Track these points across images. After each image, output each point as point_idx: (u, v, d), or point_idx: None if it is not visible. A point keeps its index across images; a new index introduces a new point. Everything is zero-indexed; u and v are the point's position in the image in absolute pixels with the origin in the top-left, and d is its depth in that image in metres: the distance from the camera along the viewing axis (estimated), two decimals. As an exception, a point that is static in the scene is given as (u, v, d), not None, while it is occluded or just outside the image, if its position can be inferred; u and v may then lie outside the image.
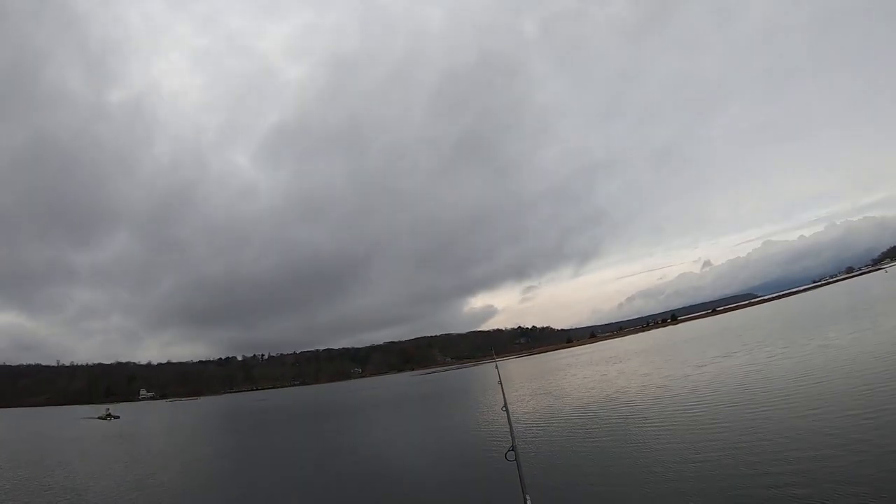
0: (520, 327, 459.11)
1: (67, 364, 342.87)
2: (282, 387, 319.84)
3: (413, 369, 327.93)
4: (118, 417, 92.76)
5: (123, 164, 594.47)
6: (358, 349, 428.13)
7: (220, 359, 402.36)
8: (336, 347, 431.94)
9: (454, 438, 27.65)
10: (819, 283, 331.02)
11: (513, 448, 6.32)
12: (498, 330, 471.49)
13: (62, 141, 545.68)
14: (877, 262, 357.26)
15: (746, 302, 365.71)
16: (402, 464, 23.21)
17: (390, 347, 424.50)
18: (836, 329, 40.74)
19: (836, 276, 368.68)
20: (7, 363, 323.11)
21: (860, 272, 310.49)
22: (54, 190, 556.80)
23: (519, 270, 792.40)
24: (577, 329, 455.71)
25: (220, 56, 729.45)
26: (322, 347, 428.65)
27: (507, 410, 9.14)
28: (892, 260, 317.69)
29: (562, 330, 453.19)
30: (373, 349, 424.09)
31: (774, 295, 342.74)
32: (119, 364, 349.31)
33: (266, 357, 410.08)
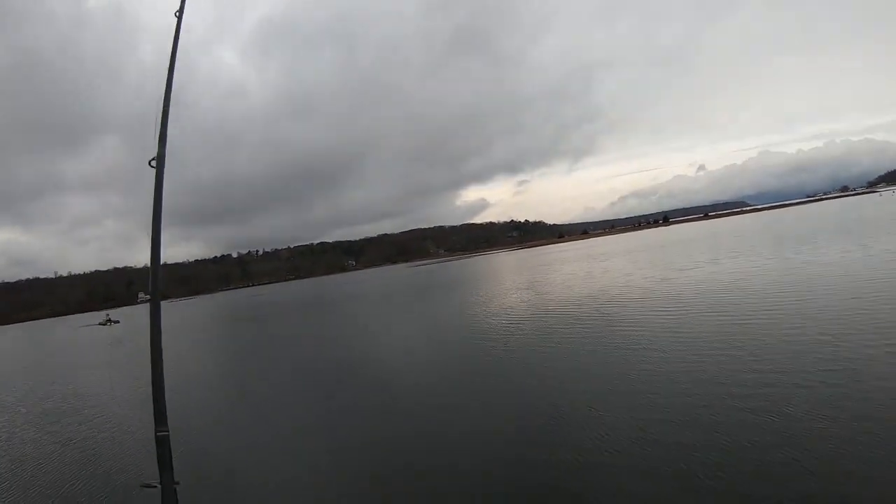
0: (512, 221, 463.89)
1: (65, 275, 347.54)
2: (277, 282, 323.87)
3: (407, 261, 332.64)
4: (118, 322, 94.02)
5: (108, 71, 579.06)
6: (352, 242, 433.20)
7: (216, 257, 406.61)
8: (330, 241, 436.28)
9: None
10: (813, 199, 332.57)
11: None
12: (490, 223, 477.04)
13: (46, 53, 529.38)
14: (872, 185, 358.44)
15: (739, 210, 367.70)
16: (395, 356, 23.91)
17: (384, 239, 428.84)
18: (823, 247, 40.84)
19: (830, 193, 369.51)
20: (5, 280, 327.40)
21: (854, 192, 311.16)
22: (41, 103, 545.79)
23: (512, 165, 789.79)
24: (569, 225, 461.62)
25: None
26: (316, 241, 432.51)
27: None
28: (888, 184, 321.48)
29: (554, 225, 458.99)
30: (367, 242, 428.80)
31: (768, 205, 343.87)
32: (116, 269, 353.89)
33: (261, 253, 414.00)
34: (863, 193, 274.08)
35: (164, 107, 5.12)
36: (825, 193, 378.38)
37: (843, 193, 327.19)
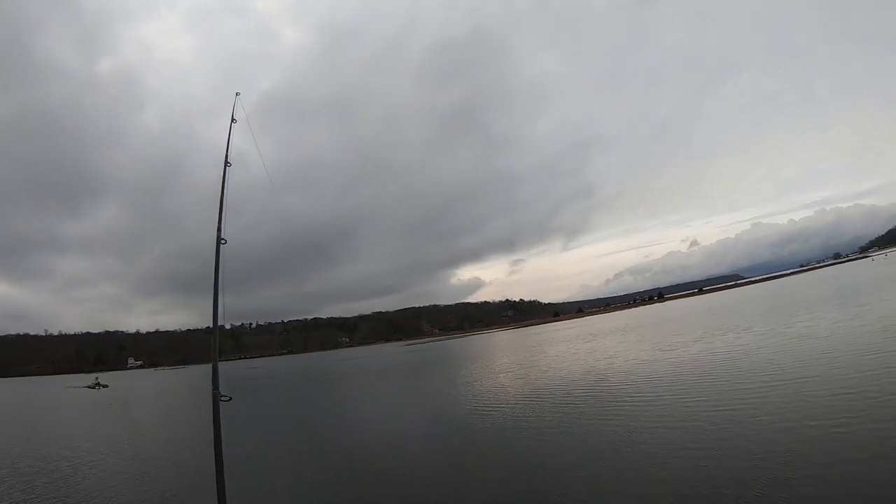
0: (507, 300, 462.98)
1: (56, 333, 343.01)
2: (270, 355, 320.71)
3: (401, 339, 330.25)
4: (106, 386, 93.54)
5: (113, 134, 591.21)
6: (346, 318, 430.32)
7: (209, 327, 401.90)
8: (324, 316, 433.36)
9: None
10: (806, 268, 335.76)
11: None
12: (485, 302, 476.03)
13: (53, 112, 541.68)
14: (864, 250, 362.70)
15: (733, 283, 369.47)
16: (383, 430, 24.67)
17: (378, 317, 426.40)
18: (817, 316, 41.81)
19: (824, 261, 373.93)
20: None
21: (847, 259, 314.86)
22: (44, 160, 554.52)
23: (507, 243, 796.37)
24: (564, 303, 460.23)
25: (216, 14, 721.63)
26: (311, 316, 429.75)
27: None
28: (880, 248, 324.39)
29: (549, 304, 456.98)
30: (361, 319, 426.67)
31: (762, 277, 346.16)
32: (107, 333, 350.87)
33: (255, 325, 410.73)
34: (855, 259, 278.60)
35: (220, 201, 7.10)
36: (818, 262, 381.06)
37: (836, 261, 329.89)
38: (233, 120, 9.40)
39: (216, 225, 8.45)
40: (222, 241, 8.00)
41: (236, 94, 9.77)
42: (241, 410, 38.50)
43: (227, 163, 8.69)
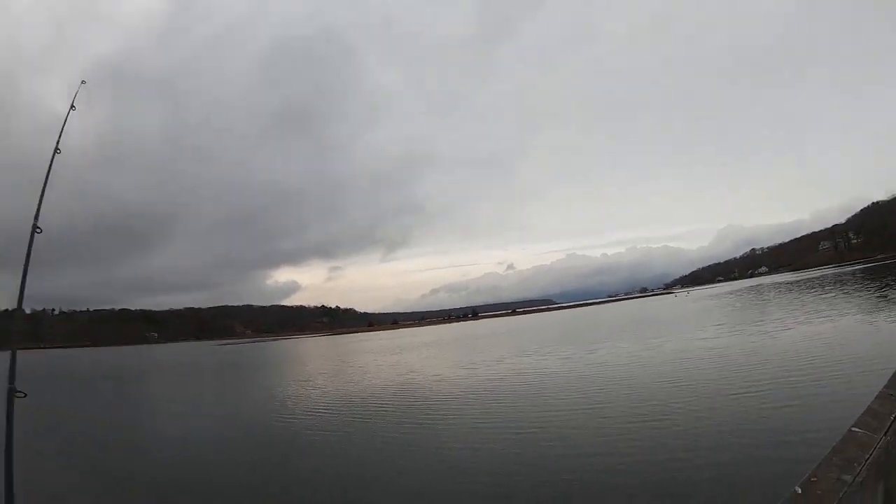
0: (323, 306, 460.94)
1: None
2: (72, 346, 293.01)
3: (212, 338, 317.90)
4: None
5: None
6: (156, 312, 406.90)
7: (6, 310, 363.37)
8: (133, 308, 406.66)
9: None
10: (614, 299, 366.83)
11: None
12: (301, 306, 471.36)
13: None
14: (668, 287, 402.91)
15: (545, 307, 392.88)
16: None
17: (190, 313, 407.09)
18: (618, 344, 44.61)
19: (630, 293, 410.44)
20: None
21: (653, 293, 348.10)
22: None
23: (326, 249, 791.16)
24: (380, 314, 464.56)
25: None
26: (119, 307, 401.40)
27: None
28: (683, 286, 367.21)
29: (365, 313, 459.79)
30: (172, 314, 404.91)
31: (571, 304, 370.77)
32: None
33: (57, 312, 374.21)
34: (660, 294, 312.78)
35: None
36: (626, 293, 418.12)
37: (642, 294, 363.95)
38: (72, 107, 8.52)
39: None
40: (38, 231, 7.23)
41: (82, 81, 8.96)
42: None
43: (56, 150, 7.90)
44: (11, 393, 6.98)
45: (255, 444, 20.63)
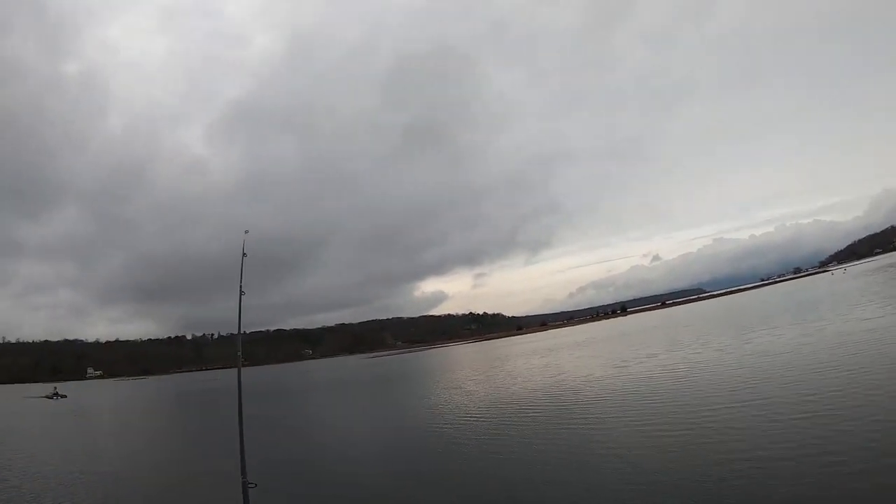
0: (471, 313, 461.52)
1: (13, 341, 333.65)
2: (232, 367, 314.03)
3: (364, 352, 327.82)
4: (65, 396, 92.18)
5: (74, 138, 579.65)
6: (309, 330, 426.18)
7: (170, 337, 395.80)
8: (287, 328, 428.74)
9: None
10: (766, 282, 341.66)
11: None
12: (449, 315, 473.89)
13: (13, 113, 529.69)
14: (824, 265, 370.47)
15: (695, 297, 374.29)
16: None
17: (342, 329, 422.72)
18: (774, 331, 42.56)
19: (784, 275, 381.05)
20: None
21: (807, 273, 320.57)
22: (2, 163, 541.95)
23: (470, 257, 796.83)
24: (528, 317, 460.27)
25: (187, 15, 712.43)
26: (273, 328, 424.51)
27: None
28: (839, 262, 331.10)
29: (513, 317, 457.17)
30: (325, 330, 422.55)
31: (722, 291, 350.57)
32: (66, 342, 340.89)
33: (216, 336, 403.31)
34: (815, 273, 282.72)
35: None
36: (779, 276, 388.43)
37: (796, 275, 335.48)
38: (244, 255, 10.96)
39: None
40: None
41: (245, 231, 11.32)
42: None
43: (241, 291, 10.68)
44: (245, 486, 8.66)
45: (426, 452, 21.17)
